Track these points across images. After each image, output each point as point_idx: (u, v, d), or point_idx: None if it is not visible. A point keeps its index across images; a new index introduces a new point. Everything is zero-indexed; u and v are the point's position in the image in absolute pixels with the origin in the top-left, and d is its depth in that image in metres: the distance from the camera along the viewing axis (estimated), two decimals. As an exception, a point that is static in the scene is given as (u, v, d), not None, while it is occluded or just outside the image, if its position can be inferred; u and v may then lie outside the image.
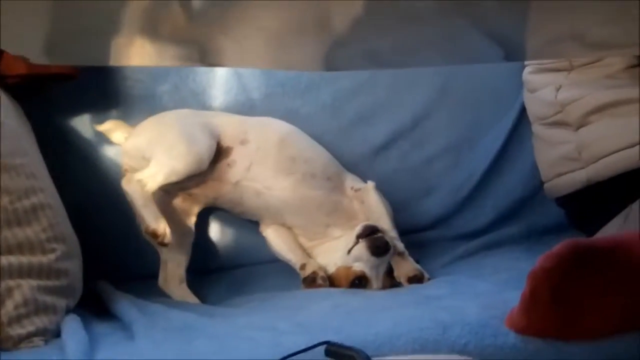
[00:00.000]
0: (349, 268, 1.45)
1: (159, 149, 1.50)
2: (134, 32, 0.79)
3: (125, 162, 1.59)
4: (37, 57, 0.88)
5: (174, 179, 1.47)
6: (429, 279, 1.45)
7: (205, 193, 1.59)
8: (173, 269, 1.55)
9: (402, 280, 1.45)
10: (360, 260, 1.43)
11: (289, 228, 1.61)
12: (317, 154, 1.63)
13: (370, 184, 1.59)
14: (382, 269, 1.44)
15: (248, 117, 1.68)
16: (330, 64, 1.06)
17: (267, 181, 1.56)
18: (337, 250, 1.49)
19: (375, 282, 1.43)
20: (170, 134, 1.52)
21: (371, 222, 1.48)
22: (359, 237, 1.44)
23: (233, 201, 1.59)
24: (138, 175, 1.45)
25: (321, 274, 1.48)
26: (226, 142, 1.57)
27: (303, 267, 1.52)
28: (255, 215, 1.63)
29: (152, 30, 0.78)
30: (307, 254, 1.58)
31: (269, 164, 1.56)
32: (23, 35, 0.73)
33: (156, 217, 1.41)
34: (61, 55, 0.91)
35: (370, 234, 1.44)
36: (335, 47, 0.88)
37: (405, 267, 1.46)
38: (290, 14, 0.74)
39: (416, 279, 1.45)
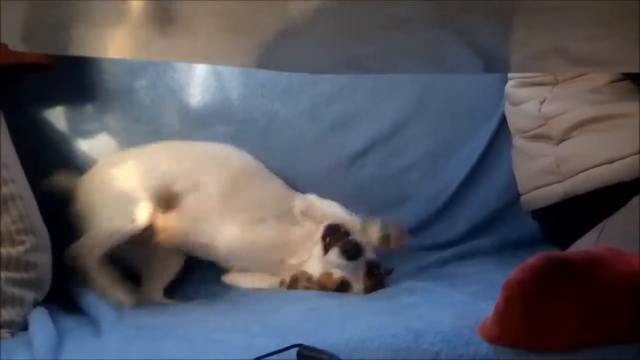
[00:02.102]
0: (330, 274, 1.45)
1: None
2: (116, 23, 0.77)
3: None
4: (16, 44, 0.86)
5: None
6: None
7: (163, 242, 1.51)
8: (155, 281, 1.50)
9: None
10: (338, 267, 1.43)
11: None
12: (267, 193, 1.57)
13: (310, 196, 1.57)
14: (361, 271, 1.44)
15: (199, 149, 1.58)
16: (312, 66, 1.05)
17: (213, 234, 1.49)
18: (314, 261, 1.48)
19: (356, 285, 1.43)
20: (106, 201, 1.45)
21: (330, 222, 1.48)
22: (324, 237, 1.45)
23: (186, 248, 1.54)
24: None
25: (306, 275, 1.46)
26: (177, 187, 1.48)
27: (282, 282, 1.49)
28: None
29: (136, 22, 0.77)
30: None
31: (216, 214, 1.49)
32: (3, 21, 0.71)
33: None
34: (41, 44, 0.89)
35: (333, 231, 1.45)
36: (318, 50, 0.88)
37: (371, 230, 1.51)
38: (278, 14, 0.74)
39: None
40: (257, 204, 1.53)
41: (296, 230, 1.54)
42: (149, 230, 1.44)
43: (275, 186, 1.60)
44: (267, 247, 1.51)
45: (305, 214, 1.55)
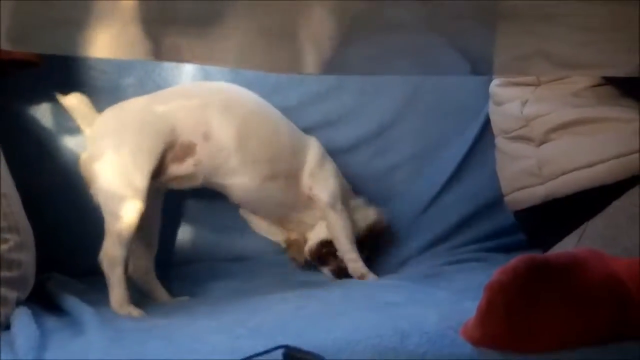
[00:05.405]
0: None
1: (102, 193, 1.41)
2: (106, 23, 0.77)
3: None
4: (6, 44, 0.86)
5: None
6: None
7: (174, 186, 1.54)
8: (140, 259, 1.50)
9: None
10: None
11: None
12: (278, 147, 1.59)
13: (324, 200, 1.59)
14: None
15: (206, 92, 1.57)
16: (302, 67, 1.05)
17: (230, 179, 1.53)
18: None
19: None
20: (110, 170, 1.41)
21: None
22: (315, 256, 1.63)
23: (208, 187, 1.59)
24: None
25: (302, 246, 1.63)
26: (187, 136, 1.47)
27: (287, 241, 1.66)
28: None
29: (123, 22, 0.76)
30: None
31: (231, 163, 1.52)
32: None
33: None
34: (29, 43, 0.89)
35: (322, 249, 1.61)
36: (309, 51, 0.88)
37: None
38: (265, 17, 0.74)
39: None
40: (268, 159, 1.56)
41: (301, 199, 1.61)
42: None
43: (286, 137, 1.62)
44: (276, 203, 1.60)
45: (313, 197, 1.60)
